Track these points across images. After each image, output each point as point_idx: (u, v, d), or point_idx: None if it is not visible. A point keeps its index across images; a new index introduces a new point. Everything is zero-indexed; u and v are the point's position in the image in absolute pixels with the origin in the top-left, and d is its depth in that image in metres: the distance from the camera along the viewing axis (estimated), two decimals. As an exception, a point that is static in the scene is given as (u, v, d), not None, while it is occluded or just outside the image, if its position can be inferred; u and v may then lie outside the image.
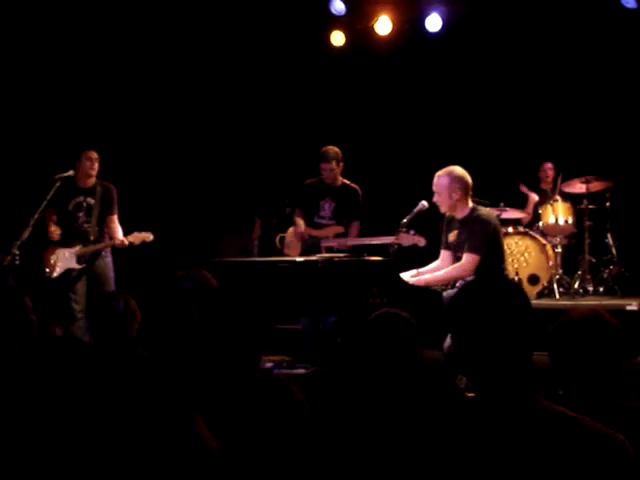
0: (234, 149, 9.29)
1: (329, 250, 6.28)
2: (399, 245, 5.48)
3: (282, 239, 7.04)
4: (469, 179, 5.34)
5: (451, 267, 5.36)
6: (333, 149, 6.56)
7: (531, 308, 1.86)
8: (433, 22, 8.25)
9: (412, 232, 5.53)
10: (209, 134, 9.27)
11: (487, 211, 5.44)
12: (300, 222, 6.66)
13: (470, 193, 5.38)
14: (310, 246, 6.50)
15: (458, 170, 5.36)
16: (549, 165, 8.46)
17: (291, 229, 6.83)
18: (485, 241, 5.21)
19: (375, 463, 2.17)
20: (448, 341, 5.09)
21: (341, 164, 6.57)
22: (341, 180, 6.65)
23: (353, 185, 6.67)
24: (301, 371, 5.65)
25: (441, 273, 5.39)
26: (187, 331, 2.96)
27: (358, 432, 2.45)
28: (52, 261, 6.38)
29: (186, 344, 2.94)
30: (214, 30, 8.64)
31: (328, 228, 6.61)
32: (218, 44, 8.81)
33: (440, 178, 5.33)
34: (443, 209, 5.39)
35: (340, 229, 6.62)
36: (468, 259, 5.21)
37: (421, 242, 5.55)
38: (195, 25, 8.55)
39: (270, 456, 1.60)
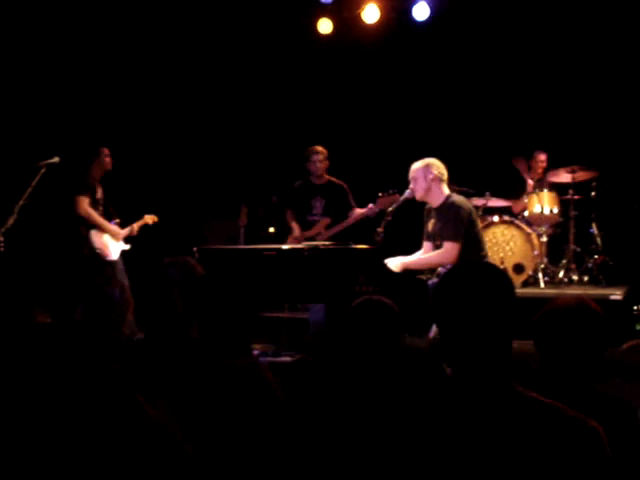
0: (220, 136, 9.26)
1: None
2: (388, 222, 5.46)
3: None
4: (444, 169, 5.42)
5: (433, 253, 5.40)
6: (320, 147, 6.84)
7: (514, 292, 1.86)
8: (421, 10, 8.25)
9: (391, 191, 5.59)
10: (195, 121, 9.22)
11: (460, 198, 5.46)
12: (295, 227, 6.82)
13: (445, 181, 5.42)
14: None
15: (433, 159, 5.45)
16: (542, 157, 8.36)
17: (290, 238, 6.88)
18: (460, 227, 5.25)
19: (357, 449, 2.17)
20: (434, 330, 5.10)
21: (327, 161, 6.82)
22: (326, 177, 6.87)
23: (338, 181, 6.89)
24: (286, 359, 5.65)
25: (423, 257, 5.46)
26: (169, 318, 2.94)
27: (341, 419, 2.45)
28: (104, 243, 6.63)
29: (167, 331, 2.93)
30: (200, 19, 8.59)
31: (318, 224, 6.73)
32: (204, 33, 8.76)
33: (415, 165, 5.43)
34: (419, 196, 5.42)
35: (328, 220, 6.77)
36: (448, 247, 5.25)
37: (408, 194, 5.49)
38: (179, 13, 8.50)
39: (240, 438, 1.59)
